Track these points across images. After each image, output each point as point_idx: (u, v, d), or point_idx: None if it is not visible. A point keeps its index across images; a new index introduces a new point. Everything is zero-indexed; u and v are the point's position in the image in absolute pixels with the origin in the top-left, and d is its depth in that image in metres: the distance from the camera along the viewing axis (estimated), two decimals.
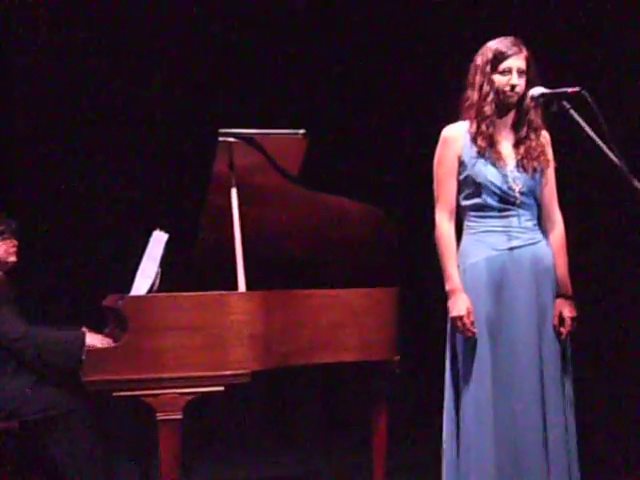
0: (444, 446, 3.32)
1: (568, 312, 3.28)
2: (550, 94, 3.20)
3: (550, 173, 3.36)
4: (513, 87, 3.24)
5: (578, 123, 3.05)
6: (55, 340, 3.71)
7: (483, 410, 3.18)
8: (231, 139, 3.77)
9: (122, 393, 3.53)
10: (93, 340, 3.68)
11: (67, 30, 6.01)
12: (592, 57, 5.63)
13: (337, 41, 6.28)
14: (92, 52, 6.01)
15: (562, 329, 3.27)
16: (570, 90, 3.10)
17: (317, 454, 5.45)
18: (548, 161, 3.34)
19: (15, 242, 4.03)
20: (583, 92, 3.05)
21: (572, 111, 3.08)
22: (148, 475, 4.26)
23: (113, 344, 3.64)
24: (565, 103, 3.11)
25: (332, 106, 6.19)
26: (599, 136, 2.99)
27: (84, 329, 3.85)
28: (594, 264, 5.54)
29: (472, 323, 3.21)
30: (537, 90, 3.22)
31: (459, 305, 3.23)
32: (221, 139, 3.76)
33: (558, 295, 3.30)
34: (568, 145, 3.42)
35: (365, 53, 6.29)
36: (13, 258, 4.02)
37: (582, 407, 3.43)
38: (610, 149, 2.97)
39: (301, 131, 3.85)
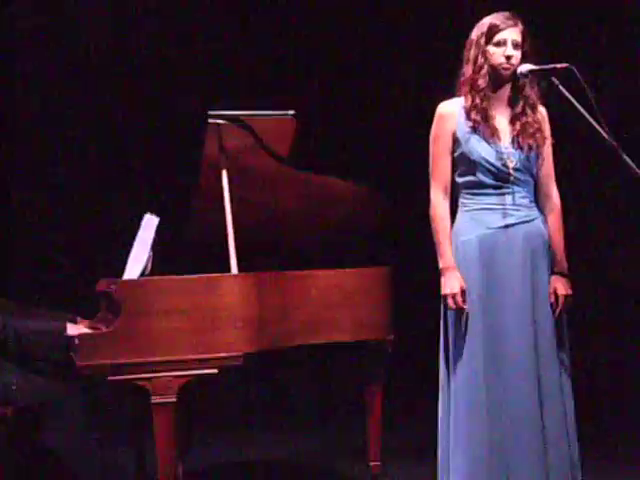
0: (439, 424, 3.33)
1: (562, 290, 3.28)
2: (539, 70, 3.20)
3: (547, 150, 3.34)
4: (508, 58, 3.23)
5: (567, 99, 3.05)
6: (34, 333, 3.70)
7: (475, 388, 3.18)
8: (220, 121, 3.76)
9: (116, 377, 3.53)
10: (75, 330, 3.66)
11: (63, 22, 6.00)
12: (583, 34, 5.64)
13: (326, 20, 6.26)
14: (84, 41, 6.01)
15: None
16: (559, 66, 3.11)
17: (311, 436, 5.46)
18: (544, 138, 3.32)
19: None
20: (572, 68, 3.05)
21: (561, 87, 3.08)
22: (144, 459, 4.27)
23: (100, 329, 3.64)
24: (554, 79, 3.11)
25: (321, 85, 6.18)
26: (588, 111, 2.99)
27: (74, 320, 3.82)
28: (589, 240, 5.56)
29: (464, 301, 3.21)
30: (525, 67, 3.22)
31: (452, 282, 3.23)
32: (210, 121, 3.75)
33: (553, 272, 3.30)
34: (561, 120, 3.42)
35: (354, 30, 6.27)
36: None
37: (581, 384, 3.45)
38: (599, 124, 2.97)
39: (290, 112, 3.84)
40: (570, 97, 3.05)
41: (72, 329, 3.68)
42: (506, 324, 3.20)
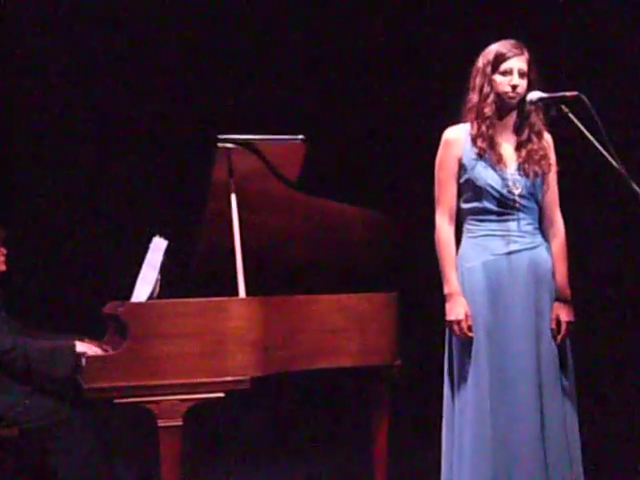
0: (442, 450, 3.32)
1: (565, 316, 3.28)
2: (548, 98, 3.21)
3: (552, 177, 3.35)
4: (514, 87, 3.24)
5: (577, 127, 3.06)
6: (44, 351, 3.71)
7: (480, 414, 3.18)
8: (230, 145, 3.77)
9: (123, 400, 3.53)
10: (84, 349, 3.67)
11: (66, 30, 6.02)
12: (591, 61, 5.66)
13: (336, 45, 6.29)
14: (90, 53, 6.02)
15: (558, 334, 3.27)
16: (568, 94, 3.11)
17: (318, 460, 5.44)
18: (550, 165, 3.33)
19: (4, 251, 4.01)
20: (581, 96, 3.06)
21: (571, 115, 3.09)
22: None
23: (107, 352, 3.64)
24: (563, 107, 3.12)
25: (331, 111, 6.20)
26: (598, 139, 3.00)
27: (83, 340, 3.83)
28: (594, 267, 5.56)
29: (469, 327, 3.21)
30: (535, 94, 3.23)
31: (457, 309, 3.24)
32: (220, 145, 3.76)
33: (556, 299, 3.30)
34: (569, 148, 3.42)
35: (364, 57, 6.30)
36: (2, 267, 4.00)
37: (585, 410, 3.44)
38: (609, 152, 2.98)
39: (300, 136, 3.85)
40: (580, 125, 3.05)
41: (81, 347, 3.68)
42: (511, 350, 3.20)
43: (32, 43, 5.99)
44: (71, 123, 6.00)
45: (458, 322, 3.22)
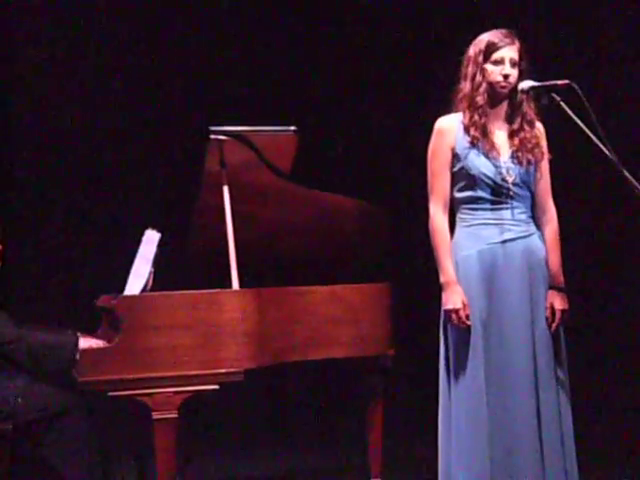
0: (439, 440, 3.33)
1: (559, 304, 3.28)
2: (540, 87, 3.21)
3: (544, 165, 3.35)
4: (506, 77, 3.24)
5: (568, 115, 3.06)
6: (47, 343, 3.69)
7: (476, 402, 3.18)
8: (222, 137, 3.77)
9: (117, 393, 3.54)
10: (87, 344, 3.66)
11: (65, 25, 6.02)
12: (582, 50, 5.66)
13: (329, 36, 6.28)
14: (85, 47, 6.02)
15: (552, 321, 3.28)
16: (560, 83, 3.11)
17: (312, 451, 5.45)
18: (542, 153, 3.34)
19: (0, 247, 4.00)
20: (573, 84, 3.06)
21: (562, 103, 3.09)
22: (145, 474, 4.26)
23: (106, 345, 3.64)
24: (555, 96, 3.12)
25: (323, 102, 6.20)
26: (589, 128, 3.00)
27: (75, 333, 3.82)
28: (587, 255, 5.57)
29: (467, 316, 3.22)
30: (526, 83, 3.23)
31: (454, 298, 3.23)
32: (212, 137, 3.76)
33: (550, 287, 3.30)
34: (560, 137, 3.43)
35: (356, 48, 6.30)
36: None
37: (579, 398, 3.45)
38: (600, 140, 2.98)
39: (292, 128, 3.85)
40: (571, 113, 3.05)
41: (84, 342, 3.67)
42: (507, 338, 3.21)
43: (30, 40, 5.99)
44: (69, 121, 6.00)
45: (456, 311, 3.22)
